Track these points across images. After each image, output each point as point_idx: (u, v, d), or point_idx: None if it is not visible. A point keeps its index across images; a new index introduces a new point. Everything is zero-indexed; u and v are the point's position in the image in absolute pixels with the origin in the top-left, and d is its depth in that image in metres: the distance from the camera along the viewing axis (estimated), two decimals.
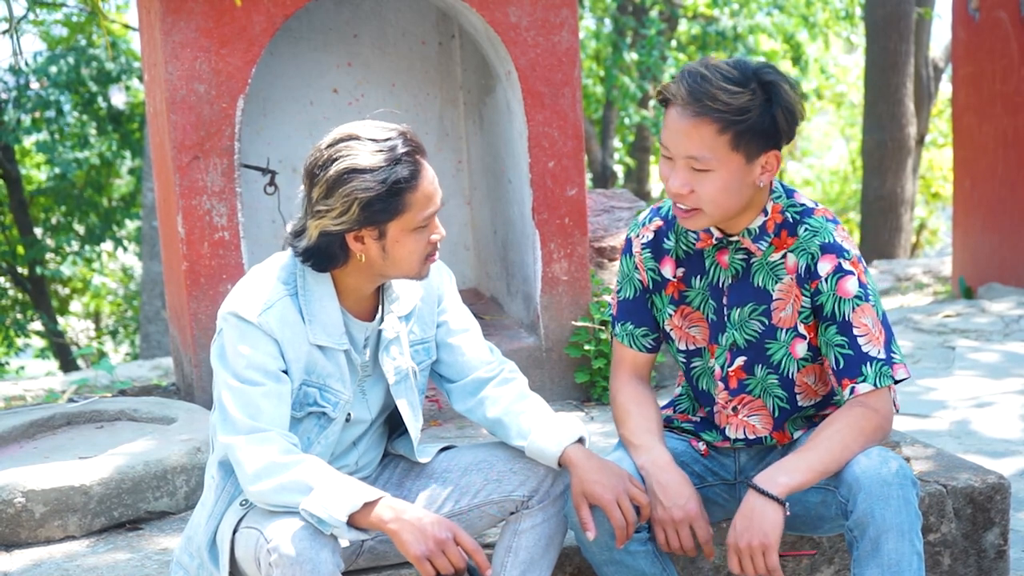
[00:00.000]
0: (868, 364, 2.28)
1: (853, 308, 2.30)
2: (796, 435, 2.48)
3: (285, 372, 2.21)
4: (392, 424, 2.51)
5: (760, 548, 2.19)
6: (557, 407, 3.77)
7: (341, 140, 2.17)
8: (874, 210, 11.36)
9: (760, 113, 2.21)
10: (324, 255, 2.20)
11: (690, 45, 13.77)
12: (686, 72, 2.23)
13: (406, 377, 2.38)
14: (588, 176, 13.22)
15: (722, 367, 2.44)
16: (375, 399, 2.38)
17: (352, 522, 2.08)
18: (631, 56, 12.80)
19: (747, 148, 2.23)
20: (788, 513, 2.22)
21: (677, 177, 2.26)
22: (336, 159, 2.14)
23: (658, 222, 2.48)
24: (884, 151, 11.01)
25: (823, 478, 2.25)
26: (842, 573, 2.83)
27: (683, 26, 14.11)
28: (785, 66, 14.21)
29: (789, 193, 2.39)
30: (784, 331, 2.38)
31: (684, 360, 2.51)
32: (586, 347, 3.85)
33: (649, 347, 2.53)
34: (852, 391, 2.29)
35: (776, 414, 2.45)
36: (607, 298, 3.96)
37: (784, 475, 2.22)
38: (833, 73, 16.44)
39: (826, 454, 2.24)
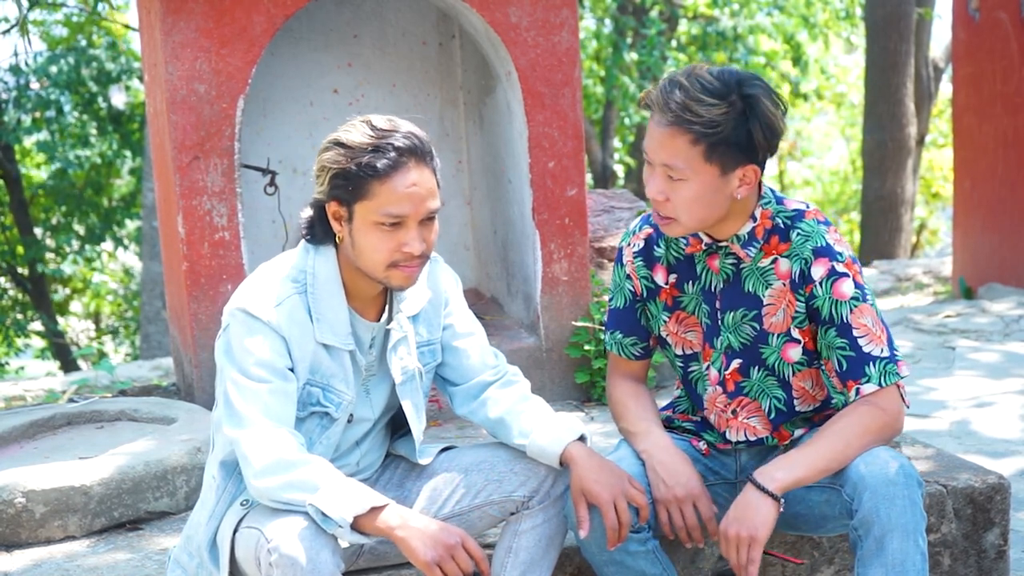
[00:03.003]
0: (871, 364, 2.29)
1: (851, 309, 2.30)
2: (796, 433, 2.48)
3: (291, 371, 2.21)
4: (394, 426, 2.51)
5: (747, 540, 2.21)
6: (557, 407, 3.77)
7: (357, 120, 2.21)
8: (874, 210, 11.37)
9: (734, 127, 2.21)
10: (314, 225, 2.25)
11: (690, 45, 13.77)
12: (667, 81, 2.24)
13: (412, 378, 2.38)
14: (588, 176, 13.22)
15: (719, 370, 2.45)
16: (379, 399, 2.38)
17: (356, 525, 2.08)
18: (631, 56, 12.81)
19: (721, 160, 2.23)
20: (782, 509, 2.23)
21: (654, 183, 2.28)
22: (336, 131, 2.20)
23: (648, 230, 2.49)
24: (884, 151, 11.01)
25: (824, 475, 2.26)
26: (842, 574, 2.83)
27: (683, 26, 14.11)
28: (785, 66, 14.22)
29: (779, 199, 2.39)
30: (776, 336, 2.39)
31: (681, 365, 2.52)
32: (586, 347, 3.86)
33: (638, 355, 2.56)
34: (857, 392, 2.29)
35: (772, 415, 2.45)
36: (607, 298, 3.96)
37: (781, 471, 2.23)
38: (833, 73, 16.45)
39: (827, 451, 2.24)
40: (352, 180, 2.15)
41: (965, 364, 5.34)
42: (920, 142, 12.51)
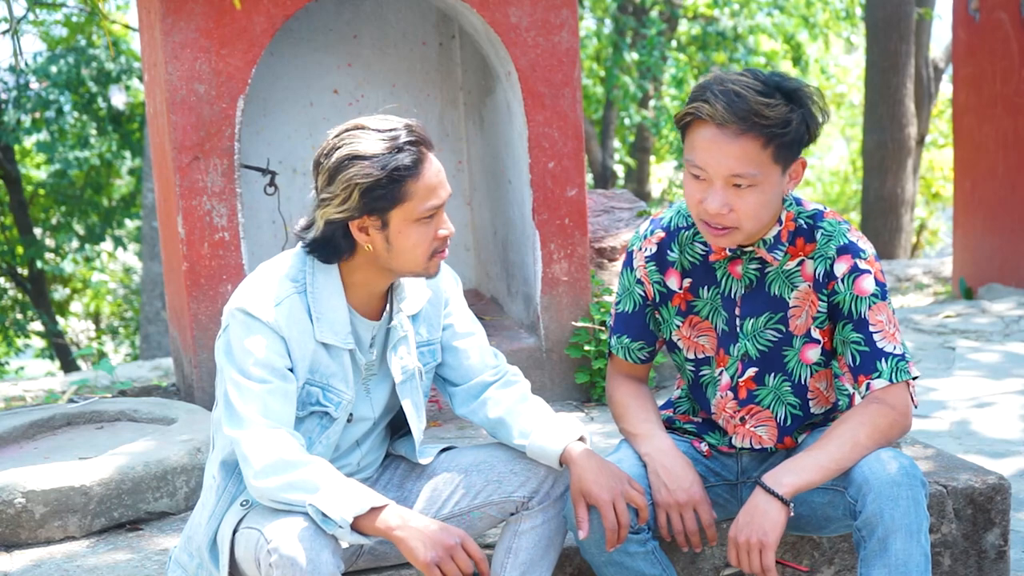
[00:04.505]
0: (884, 360, 2.29)
1: (869, 306, 2.31)
2: (800, 439, 2.48)
3: (291, 370, 2.21)
4: (394, 427, 2.51)
5: (757, 546, 2.20)
6: (557, 408, 3.77)
7: (347, 130, 2.19)
8: (874, 211, 11.36)
9: (798, 123, 2.21)
10: (329, 246, 2.21)
11: (690, 45, 13.77)
12: (715, 90, 2.19)
13: (412, 377, 2.38)
14: (588, 176, 13.21)
15: (732, 377, 2.44)
16: (379, 398, 2.38)
17: (356, 526, 2.08)
18: (631, 56, 12.80)
19: (784, 159, 2.24)
20: (792, 513, 2.23)
21: (716, 198, 2.23)
22: (339, 147, 2.16)
23: (660, 234, 2.47)
24: (884, 152, 11.00)
25: (834, 476, 2.25)
26: (842, 574, 2.83)
27: (683, 26, 14.11)
28: (785, 66, 14.21)
29: (797, 200, 2.39)
30: (798, 338, 2.39)
31: (692, 369, 2.51)
32: (586, 347, 3.85)
33: (643, 359, 2.56)
34: (868, 387, 2.30)
35: (788, 422, 2.45)
36: (607, 298, 3.97)
37: (790, 475, 2.23)
38: (833, 74, 16.43)
39: (836, 452, 2.24)
40: (388, 187, 2.13)
41: (965, 364, 5.34)
42: (920, 142, 12.50)
